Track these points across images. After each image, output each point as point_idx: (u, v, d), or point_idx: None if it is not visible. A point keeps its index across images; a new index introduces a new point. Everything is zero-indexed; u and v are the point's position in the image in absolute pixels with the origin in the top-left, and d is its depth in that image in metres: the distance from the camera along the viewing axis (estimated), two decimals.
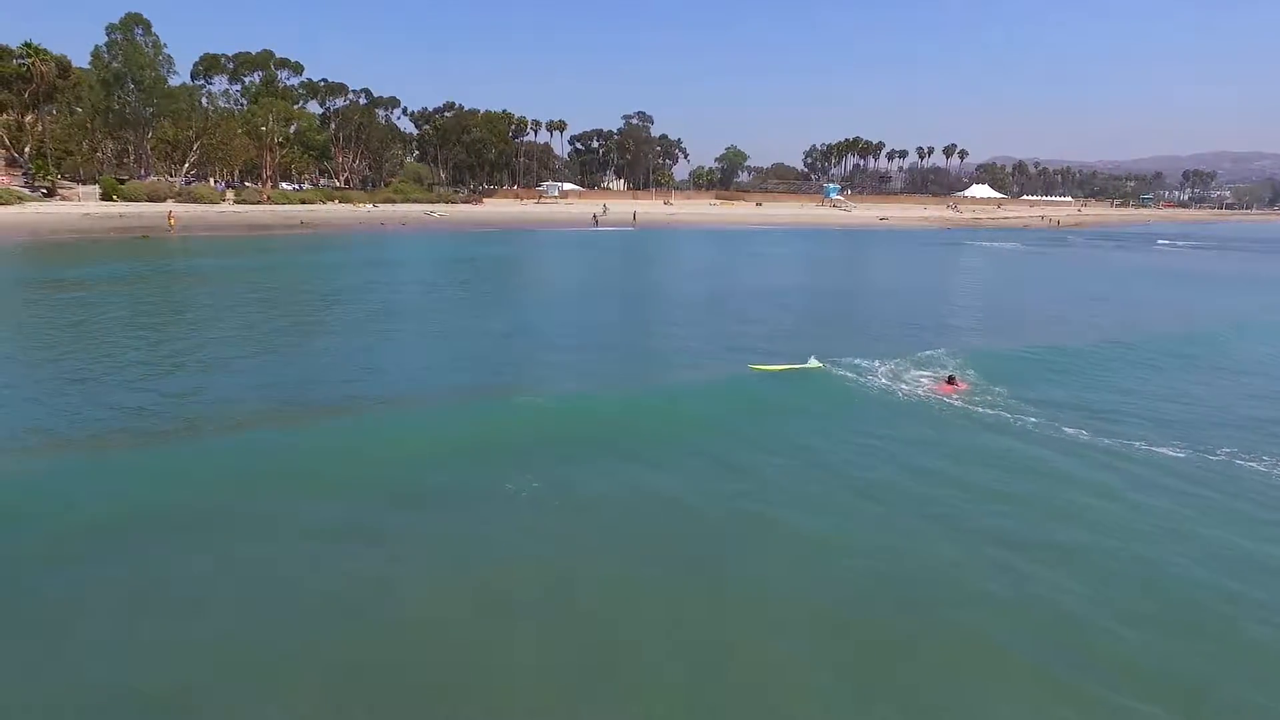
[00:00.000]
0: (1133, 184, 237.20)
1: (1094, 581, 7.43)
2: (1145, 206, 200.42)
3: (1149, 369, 16.50)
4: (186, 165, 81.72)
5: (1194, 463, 10.42)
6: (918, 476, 9.90)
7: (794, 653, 6.41)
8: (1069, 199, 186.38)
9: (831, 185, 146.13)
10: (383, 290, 27.48)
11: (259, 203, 74.77)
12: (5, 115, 71.95)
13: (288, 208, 74.08)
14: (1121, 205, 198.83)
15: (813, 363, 14.73)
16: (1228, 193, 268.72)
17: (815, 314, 25.35)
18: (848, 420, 12.20)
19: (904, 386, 13.75)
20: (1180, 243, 76.47)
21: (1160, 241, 77.23)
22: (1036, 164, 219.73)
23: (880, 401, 13.10)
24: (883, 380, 14.12)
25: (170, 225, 53.51)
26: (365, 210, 78.72)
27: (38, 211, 57.28)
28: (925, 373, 14.54)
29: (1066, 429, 11.58)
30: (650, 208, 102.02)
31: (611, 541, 8.28)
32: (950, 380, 13.59)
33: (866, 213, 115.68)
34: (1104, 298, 29.90)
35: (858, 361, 15.20)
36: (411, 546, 8.12)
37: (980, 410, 12.44)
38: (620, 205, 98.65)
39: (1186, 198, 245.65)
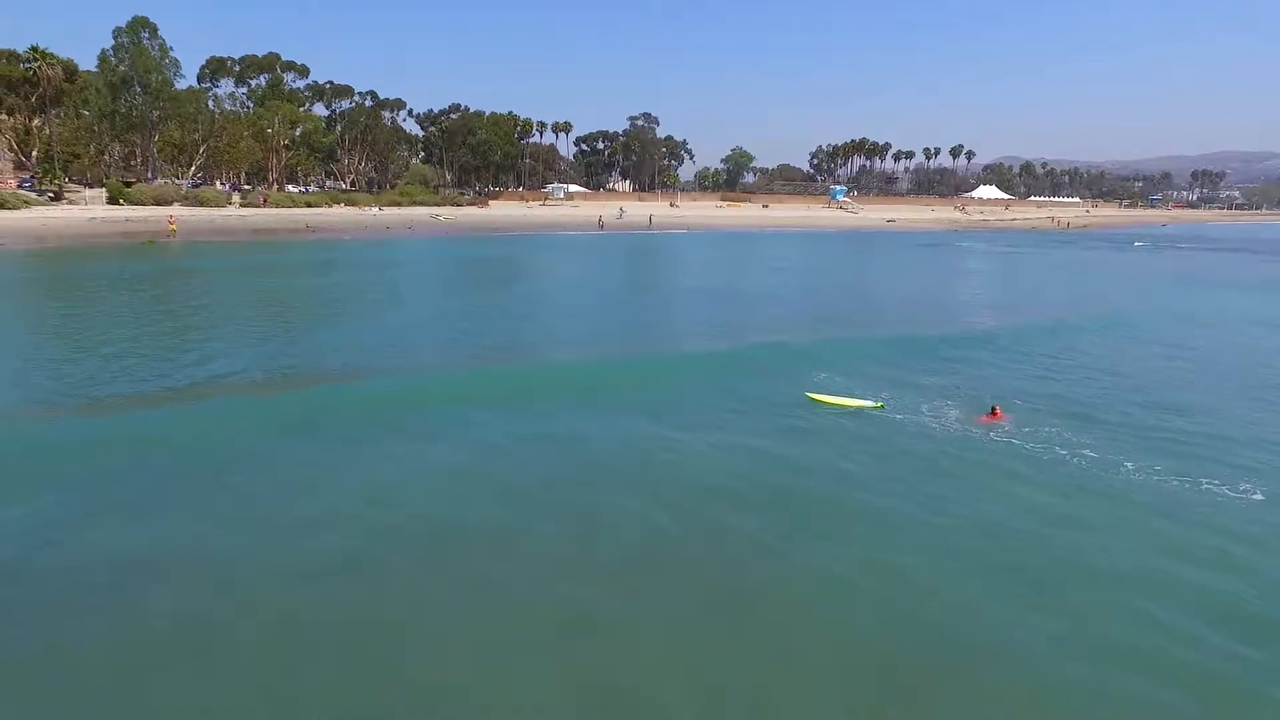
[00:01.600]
0: (1140, 184, 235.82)
1: (1132, 633, 6.83)
2: (1153, 207, 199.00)
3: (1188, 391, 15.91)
4: (193, 168, 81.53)
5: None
6: (959, 512, 9.35)
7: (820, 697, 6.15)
8: (1076, 200, 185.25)
9: (838, 187, 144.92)
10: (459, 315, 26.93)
11: (258, 205, 74.37)
12: (12, 119, 71.76)
13: (292, 211, 73.60)
14: (1130, 206, 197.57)
15: (873, 401, 13.97)
16: (1237, 193, 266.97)
17: (851, 318, 24.92)
18: (889, 449, 11.61)
19: (943, 418, 13.11)
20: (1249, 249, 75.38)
21: (1136, 243, 76.03)
22: (1044, 164, 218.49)
23: (921, 434, 12.48)
24: (923, 411, 13.48)
25: (170, 230, 52.59)
26: (371, 213, 78.22)
27: (44, 215, 56.97)
28: (960, 404, 13.87)
29: (1127, 464, 10.95)
30: (656, 209, 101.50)
31: (632, 563, 8.15)
32: (993, 411, 12.98)
33: (874, 214, 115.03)
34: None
35: (909, 398, 14.31)
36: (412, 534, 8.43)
37: (1028, 445, 11.78)
38: (634, 208, 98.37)
39: (1195, 198, 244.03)
